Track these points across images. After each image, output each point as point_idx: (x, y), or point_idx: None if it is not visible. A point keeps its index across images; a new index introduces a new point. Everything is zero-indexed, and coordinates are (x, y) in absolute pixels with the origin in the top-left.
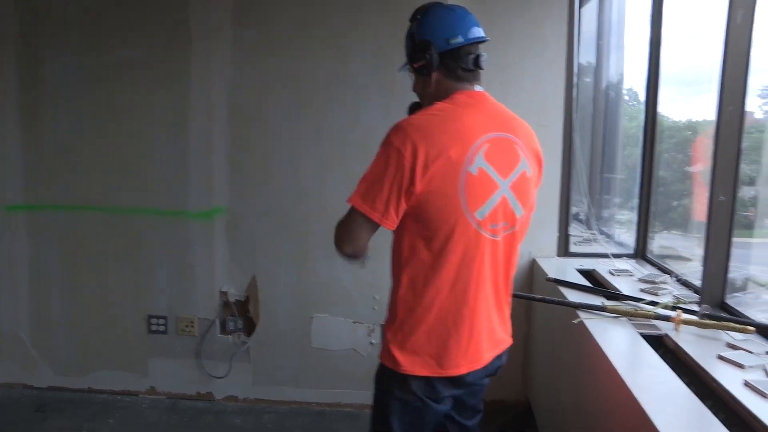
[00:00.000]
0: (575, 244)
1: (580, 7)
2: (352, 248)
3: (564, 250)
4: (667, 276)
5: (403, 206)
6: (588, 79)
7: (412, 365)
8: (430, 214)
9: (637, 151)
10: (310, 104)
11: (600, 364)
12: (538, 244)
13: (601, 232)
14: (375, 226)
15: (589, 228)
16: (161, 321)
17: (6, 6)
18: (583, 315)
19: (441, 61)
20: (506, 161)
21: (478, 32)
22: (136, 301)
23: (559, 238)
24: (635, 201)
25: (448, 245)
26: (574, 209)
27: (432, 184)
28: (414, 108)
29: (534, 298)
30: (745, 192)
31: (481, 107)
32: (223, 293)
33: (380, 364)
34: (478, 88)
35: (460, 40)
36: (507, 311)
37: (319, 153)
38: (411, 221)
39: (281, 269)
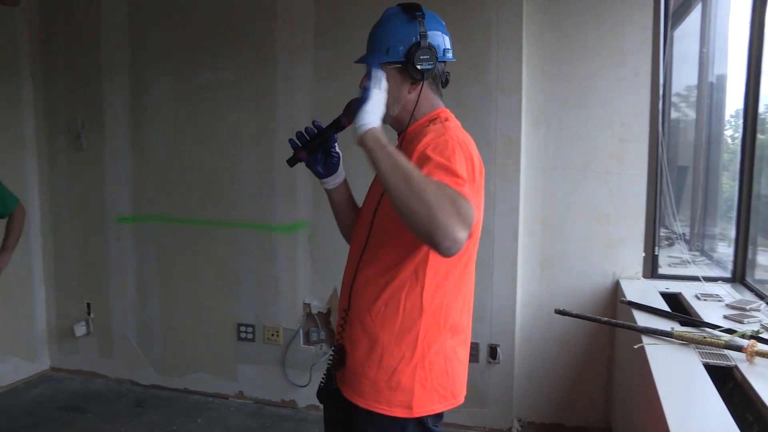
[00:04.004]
0: (670, 266)
1: (669, 22)
2: (465, 240)
3: (651, 272)
4: (763, 303)
5: None
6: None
7: (431, 403)
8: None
9: None
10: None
11: (650, 392)
12: (621, 264)
13: (704, 253)
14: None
15: (691, 249)
16: (249, 329)
17: (122, 40)
18: (648, 340)
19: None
20: None
21: None
22: (227, 309)
23: (645, 258)
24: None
25: (468, 265)
26: (683, 229)
27: (476, 200)
28: (356, 105)
29: (599, 321)
30: None
31: None
32: (306, 305)
33: (383, 417)
34: None
35: (451, 55)
36: None
37: None
38: None
39: None
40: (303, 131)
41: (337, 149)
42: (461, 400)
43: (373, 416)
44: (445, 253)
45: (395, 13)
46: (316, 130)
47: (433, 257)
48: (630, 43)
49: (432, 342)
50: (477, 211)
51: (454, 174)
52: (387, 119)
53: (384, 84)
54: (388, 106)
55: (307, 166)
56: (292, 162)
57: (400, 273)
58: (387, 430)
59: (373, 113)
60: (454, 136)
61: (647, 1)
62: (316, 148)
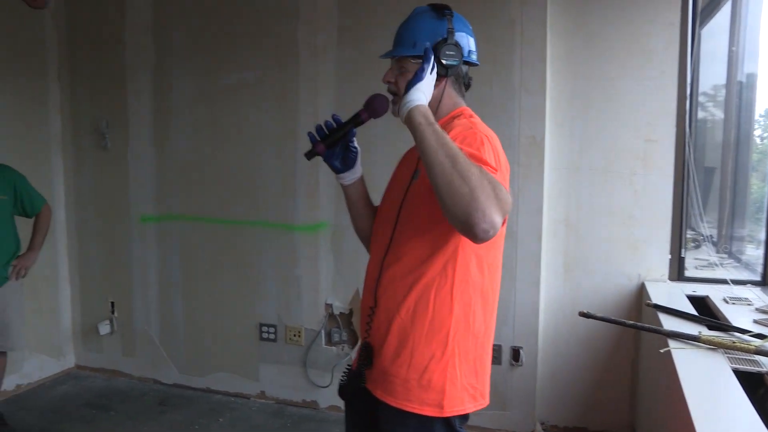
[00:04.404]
0: (696, 268)
1: (698, 20)
2: (499, 225)
3: (677, 274)
4: None
5: None
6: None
7: (461, 403)
8: None
9: None
10: None
11: (677, 398)
12: (647, 266)
13: (732, 256)
14: None
15: (718, 251)
16: (271, 329)
17: (146, 41)
18: (674, 344)
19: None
20: None
21: None
22: (249, 309)
23: (671, 260)
24: None
25: (494, 264)
26: (710, 231)
27: None
28: (379, 101)
29: (624, 324)
30: None
31: None
32: (328, 305)
33: (412, 415)
34: None
35: (475, 57)
36: None
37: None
38: None
39: None
40: (322, 125)
41: (356, 144)
42: (488, 401)
43: (403, 415)
44: (480, 236)
45: (423, 11)
46: (335, 124)
47: (462, 254)
48: (656, 42)
49: (461, 340)
50: None
51: (485, 164)
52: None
53: (435, 69)
54: None
55: (325, 160)
56: (309, 155)
57: (429, 270)
58: (416, 429)
59: (424, 92)
60: (481, 130)
61: None
62: (334, 142)
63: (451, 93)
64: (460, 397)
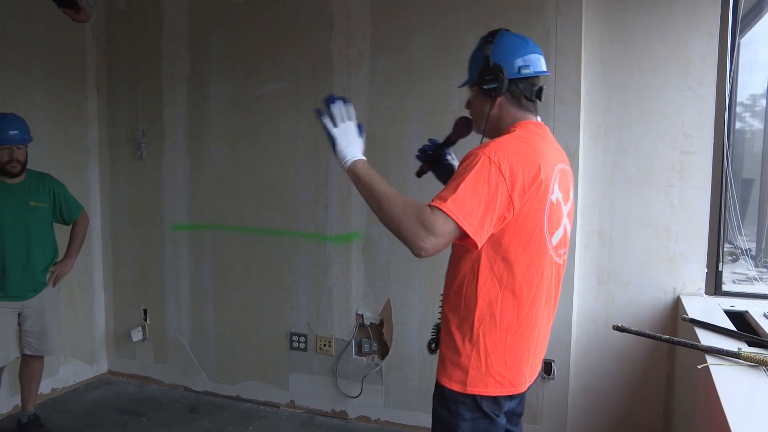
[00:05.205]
0: (734, 282)
1: (737, 30)
2: (433, 245)
3: (714, 288)
4: None
5: (497, 226)
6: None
7: (485, 386)
8: (521, 236)
9: None
10: (444, 129)
11: (717, 416)
12: (683, 279)
13: None
14: (460, 236)
15: (757, 265)
16: (301, 339)
17: (182, 50)
18: (712, 360)
19: (509, 87)
20: (566, 192)
21: (544, 66)
22: (279, 318)
23: (708, 274)
24: None
25: (530, 267)
26: (747, 244)
27: (526, 207)
28: (462, 123)
29: (660, 338)
30: None
31: (548, 138)
32: (359, 315)
33: (444, 387)
34: (538, 118)
35: (530, 70)
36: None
37: None
38: (494, 242)
39: (414, 294)
40: (422, 148)
41: (449, 160)
42: (520, 389)
43: (440, 387)
44: (421, 257)
45: (479, 41)
46: (432, 147)
47: (485, 256)
48: (694, 51)
49: (488, 332)
50: (528, 218)
51: (454, 188)
52: (484, 134)
53: (346, 116)
54: (477, 122)
55: (437, 177)
56: (419, 173)
57: (463, 267)
58: (445, 400)
59: (344, 148)
60: (491, 148)
61: (714, 8)
62: (434, 161)
63: (509, 110)
64: (483, 380)
